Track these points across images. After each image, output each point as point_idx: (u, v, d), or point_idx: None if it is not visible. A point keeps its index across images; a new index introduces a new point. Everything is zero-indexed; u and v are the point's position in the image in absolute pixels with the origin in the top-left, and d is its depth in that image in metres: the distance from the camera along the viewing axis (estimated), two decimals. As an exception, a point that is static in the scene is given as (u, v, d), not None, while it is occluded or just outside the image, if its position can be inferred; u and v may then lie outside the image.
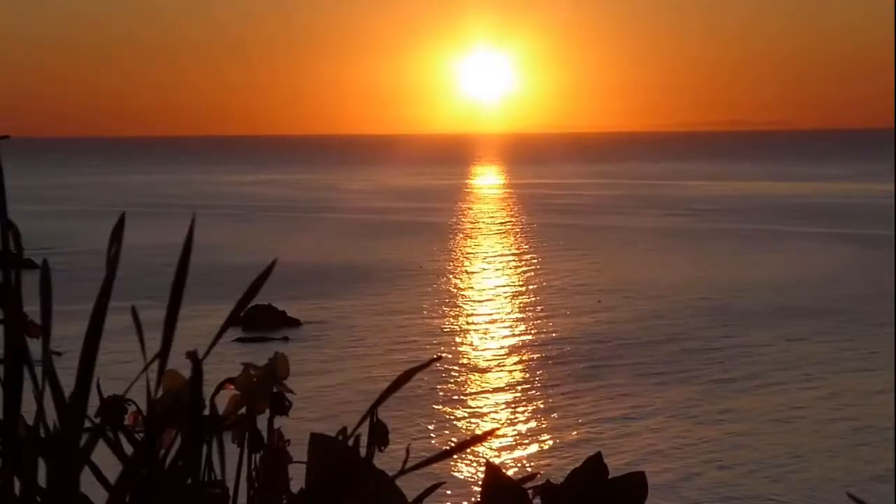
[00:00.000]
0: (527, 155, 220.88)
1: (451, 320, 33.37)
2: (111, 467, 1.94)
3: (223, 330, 1.91)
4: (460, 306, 35.90)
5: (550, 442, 21.36)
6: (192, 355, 1.84)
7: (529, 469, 19.32)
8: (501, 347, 29.79)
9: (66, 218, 68.55)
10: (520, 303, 37.02)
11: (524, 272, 44.98)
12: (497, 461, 15.44)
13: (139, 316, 1.98)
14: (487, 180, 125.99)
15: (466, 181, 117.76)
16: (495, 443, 20.82)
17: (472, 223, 66.98)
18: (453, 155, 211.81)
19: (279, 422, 2.23)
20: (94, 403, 1.97)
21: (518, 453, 20.63)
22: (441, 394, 24.23)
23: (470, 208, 79.13)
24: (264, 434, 2.22)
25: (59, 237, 54.23)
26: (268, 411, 2.22)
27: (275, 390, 2.22)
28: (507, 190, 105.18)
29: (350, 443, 2.12)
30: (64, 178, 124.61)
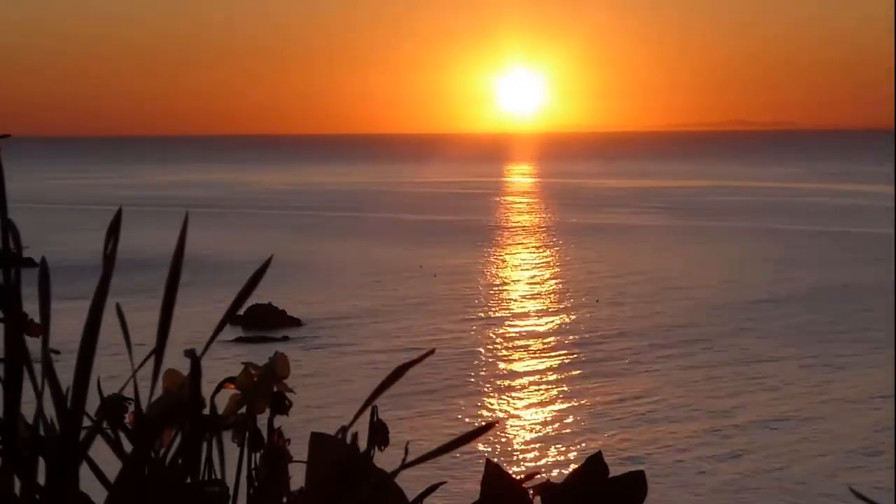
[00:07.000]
0: (540, 153, 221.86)
1: (451, 319, 33.36)
2: (111, 466, 1.94)
3: (221, 326, 1.90)
4: (460, 305, 35.89)
5: (549, 440, 21.36)
6: (190, 353, 1.84)
7: (530, 466, 19.33)
8: (501, 345, 29.80)
9: None
10: (521, 301, 37.04)
11: (525, 270, 44.99)
12: (497, 459, 15.46)
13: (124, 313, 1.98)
14: (500, 177, 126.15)
15: (476, 179, 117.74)
16: (495, 440, 20.82)
17: (473, 222, 66.97)
18: (475, 154, 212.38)
19: (279, 421, 2.23)
20: (94, 402, 1.96)
21: (518, 451, 20.64)
22: (440, 391, 24.23)
23: (474, 207, 79.11)
24: (264, 433, 2.22)
25: None
26: (268, 410, 2.22)
27: (275, 389, 2.21)
28: (513, 188, 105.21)
29: (349, 440, 2.12)
30: None
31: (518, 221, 68.54)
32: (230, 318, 1.92)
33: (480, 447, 19.46)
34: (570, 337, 30.79)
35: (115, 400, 2.07)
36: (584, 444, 20.71)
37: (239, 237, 55.92)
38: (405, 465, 2.00)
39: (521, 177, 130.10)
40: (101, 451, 1.95)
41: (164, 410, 1.99)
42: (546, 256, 49.70)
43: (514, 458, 20.16)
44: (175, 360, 2.01)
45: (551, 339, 30.68)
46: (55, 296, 1.91)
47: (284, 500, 2.16)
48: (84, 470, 1.88)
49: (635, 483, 2.32)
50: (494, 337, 31.02)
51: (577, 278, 41.96)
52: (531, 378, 26.28)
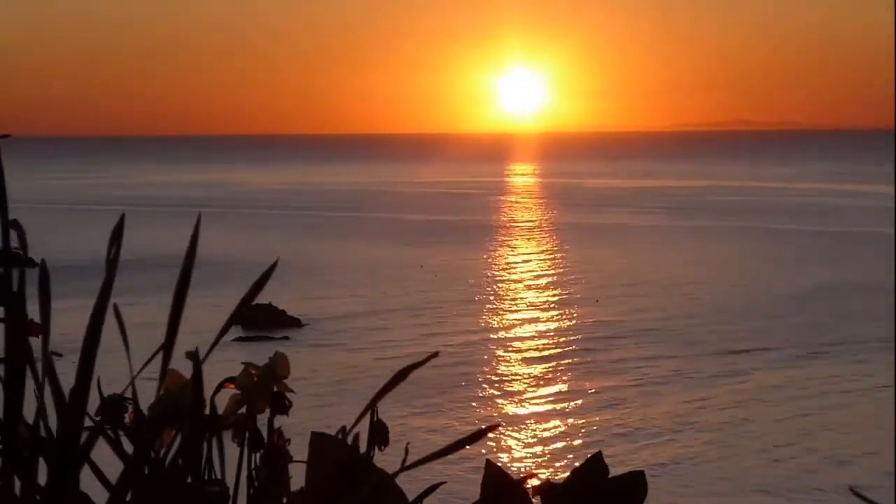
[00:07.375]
0: (541, 153, 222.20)
1: (452, 319, 33.35)
2: (111, 466, 1.94)
3: (225, 329, 1.91)
4: (460, 305, 35.88)
5: (549, 439, 21.36)
6: (192, 355, 1.85)
7: (529, 467, 19.33)
8: (501, 346, 29.79)
9: None
10: (521, 301, 37.03)
11: (526, 270, 44.99)
12: (497, 459, 15.43)
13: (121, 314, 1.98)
14: (501, 177, 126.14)
15: (476, 179, 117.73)
16: (496, 440, 20.81)
17: (474, 222, 66.96)
18: (476, 154, 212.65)
19: (279, 421, 2.23)
20: (94, 403, 1.97)
21: (517, 451, 20.64)
22: (440, 391, 24.22)
23: (475, 207, 79.10)
24: (264, 433, 2.22)
25: None
26: (268, 410, 2.22)
27: (275, 389, 2.22)
28: (514, 188, 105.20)
29: (349, 441, 2.13)
30: None
31: (518, 221, 68.54)
32: (234, 320, 1.92)
33: (480, 447, 19.44)
34: (569, 337, 30.77)
35: (114, 400, 2.07)
36: (580, 446, 20.70)
37: (239, 237, 55.92)
38: (406, 468, 2.00)
39: (522, 177, 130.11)
40: (100, 451, 1.95)
41: (164, 411, 1.99)
42: (546, 256, 49.69)
43: (513, 457, 20.17)
44: (175, 361, 2.02)
45: (550, 339, 30.67)
46: (54, 296, 1.91)
47: (284, 500, 2.17)
48: (85, 470, 1.88)
49: (635, 483, 2.33)
50: (494, 337, 31.00)
51: (577, 278, 41.95)
52: (529, 379, 26.27)
